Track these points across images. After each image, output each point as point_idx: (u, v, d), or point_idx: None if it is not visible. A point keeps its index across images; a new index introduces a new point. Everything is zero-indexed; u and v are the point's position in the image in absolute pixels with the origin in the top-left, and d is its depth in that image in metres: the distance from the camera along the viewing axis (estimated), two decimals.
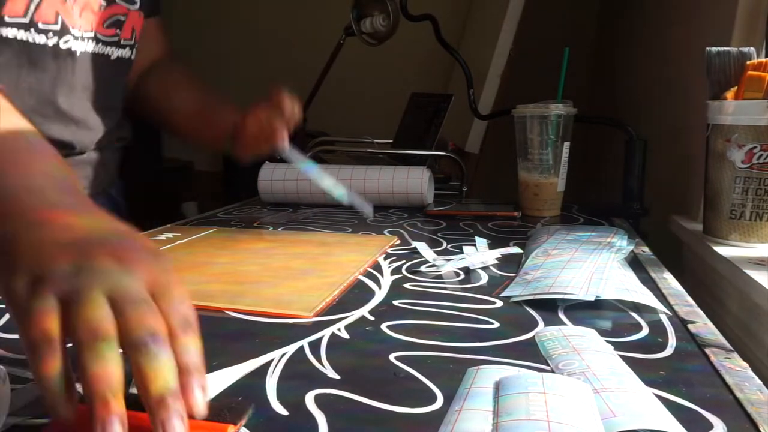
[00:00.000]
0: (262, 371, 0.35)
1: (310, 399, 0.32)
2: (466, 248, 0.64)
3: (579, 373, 0.33)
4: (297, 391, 0.33)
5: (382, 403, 0.32)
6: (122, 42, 0.73)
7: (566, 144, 0.83)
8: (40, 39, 0.63)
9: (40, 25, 0.63)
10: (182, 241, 0.68)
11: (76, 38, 0.67)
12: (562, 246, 0.60)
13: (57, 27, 0.64)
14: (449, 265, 0.57)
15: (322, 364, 0.36)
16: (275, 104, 0.73)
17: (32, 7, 0.61)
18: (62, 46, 0.65)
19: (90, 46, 0.69)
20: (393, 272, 0.56)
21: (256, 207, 0.94)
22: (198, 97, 0.85)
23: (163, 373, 0.26)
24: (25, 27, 0.62)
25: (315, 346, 0.39)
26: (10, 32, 0.61)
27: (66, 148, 0.69)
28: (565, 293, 0.46)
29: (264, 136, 0.74)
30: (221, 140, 0.80)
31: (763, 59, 0.67)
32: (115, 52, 0.73)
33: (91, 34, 0.69)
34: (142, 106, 0.85)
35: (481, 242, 0.66)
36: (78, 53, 0.67)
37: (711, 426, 0.29)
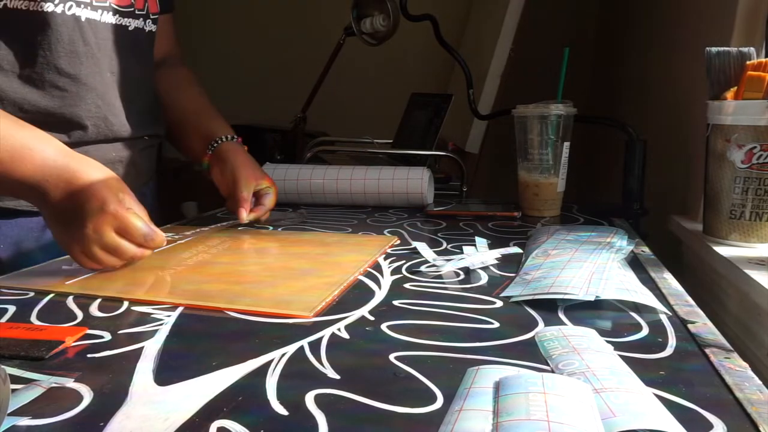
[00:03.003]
0: (262, 371, 0.35)
1: (310, 399, 0.32)
2: (466, 248, 0.64)
3: (579, 373, 0.33)
4: (297, 391, 0.33)
5: (382, 403, 0.32)
6: (136, 12, 0.72)
7: (566, 144, 0.83)
8: (48, 6, 0.62)
9: None
10: (182, 241, 0.68)
11: (86, 5, 0.66)
12: (562, 246, 0.60)
13: None
14: (449, 265, 0.57)
15: (322, 364, 0.36)
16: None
17: None
18: (68, 12, 0.64)
19: (103, 16, 0.68)
20: (393, 272, 0.56)
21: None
22: (196, 100, 0.85)
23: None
24: None
25: (315, 346, 0.39)
26: (16, 2, 0.60)
27: (89, 129, 0.69)
28: (565, 293, 0.46)
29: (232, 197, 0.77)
30: (201, 154, 0.80)
31: (763, 59, 0.67)
32: (132, 23, 0.72)
33: (105, 4, 0.68)
34: None
35: (481, 242, 0.66)
36: (83, 18, 0.66)
37: (711, 426, 0.29)
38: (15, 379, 0.34)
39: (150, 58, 0.79)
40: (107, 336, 0.41)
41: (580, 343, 0.38)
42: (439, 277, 0.55)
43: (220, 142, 0.79)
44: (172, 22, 0.86)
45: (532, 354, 0.37)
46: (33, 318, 0.45)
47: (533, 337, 0.40)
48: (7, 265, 0.62)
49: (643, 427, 0.28)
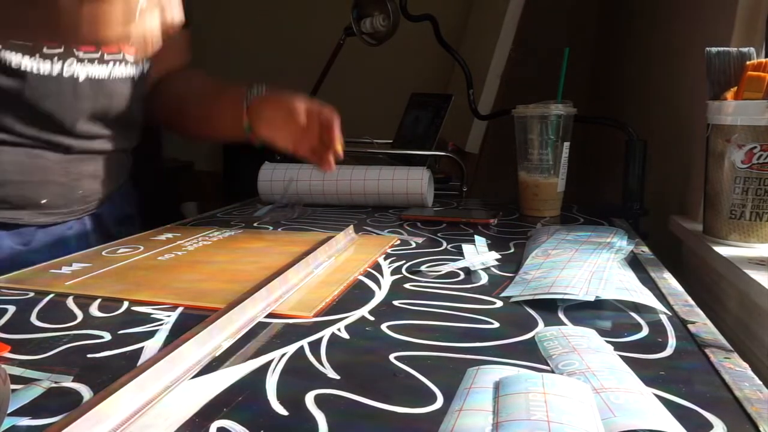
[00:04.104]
0: (262, 371, 0.35)
1: (309, 399, 0.32)
2: (465, 246, 0.64)
3: (579, 373, 0.33)
4: (297, 390, 0.33)
5: (382, 402, 0.32)
6: (126, 58, 0.71)
7: (566, 144, 0.83)
8: (45, 67, 0.62)
9: (45, 50, 0.61)
10: (182, 241, 0.68)
11: (80, 61, 0.65)
12: (562, 246, 0.60)
13: (61, 50, 0.63)
14: (449, 265, 0.57)
15: (321, 364, 0.36)
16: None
17: None
18: (66, 72, 0.64)
19: (95, 69, 0.67)
20: (393, 272, 0.56)
21: (256, 207, 0.94)
22: (214, 82, 0.82)
23: None
24: (30, 52, 0.61)
25: (315, 346, 0.39)
26: (15, 59, 0.60)
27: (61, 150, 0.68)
28: (565, 293, 0.46)
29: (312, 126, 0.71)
30: (240, 120, 0.74)
31: (763, 59, 0.67)
32: (123, 71, 0.71)
33: (97, 55, 0.67)
34: (155, 110, 0.83)
35: (480, 242, 0.66)
36: (80, 78, 0.66)
37: (711, 425, 0.29)
38: (15, 379, 0.34)
39: (139, 93, 0.76)
40: (107, 336, 0.41)
41: (579, 343, 0.38)
42: (439, 277, 0.55)
43: (250, 97, 0.74)
44: (187, 38, 0.84)
45: (531, 354, 0.37)
46: (33, 318, 0.45)
47: (533, 337, 0.40)
48: (7, 264, 0.62)
49: (642, 426, 0.28)
